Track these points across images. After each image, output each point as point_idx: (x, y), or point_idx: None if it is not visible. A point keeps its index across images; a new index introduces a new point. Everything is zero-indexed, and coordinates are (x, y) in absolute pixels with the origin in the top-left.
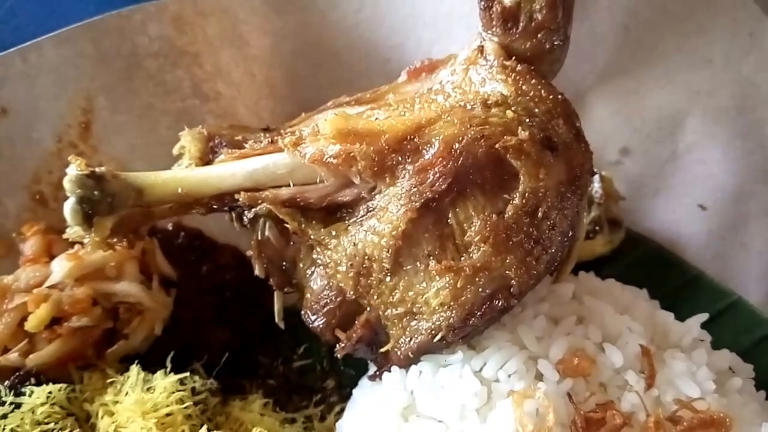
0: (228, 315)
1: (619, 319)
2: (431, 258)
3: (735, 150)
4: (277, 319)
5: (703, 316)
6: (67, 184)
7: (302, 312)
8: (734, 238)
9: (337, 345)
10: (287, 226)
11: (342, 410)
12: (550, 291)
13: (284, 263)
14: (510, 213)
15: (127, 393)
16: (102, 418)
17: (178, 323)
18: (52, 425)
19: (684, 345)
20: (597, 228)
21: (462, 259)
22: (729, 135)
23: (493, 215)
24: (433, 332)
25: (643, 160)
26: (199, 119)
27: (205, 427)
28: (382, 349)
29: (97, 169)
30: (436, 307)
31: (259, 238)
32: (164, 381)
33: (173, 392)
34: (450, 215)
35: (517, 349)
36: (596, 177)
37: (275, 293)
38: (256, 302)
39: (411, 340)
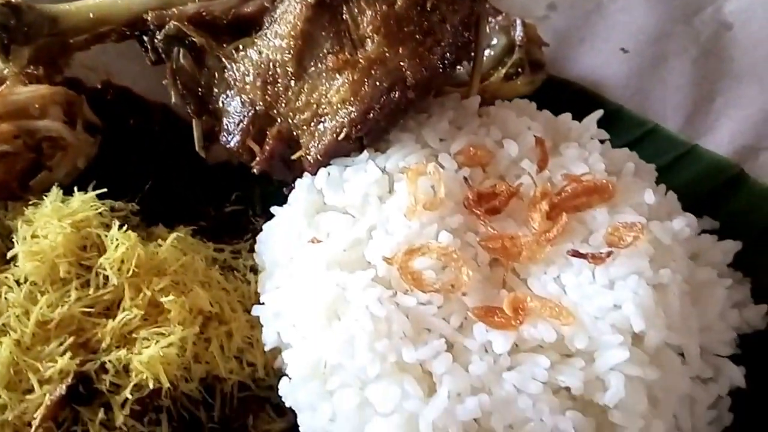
0: (156, 162)
1: (520, 120)
2: (330, 56)
3: None
4: (197, 148)
5: (599, 113)
6: None
7: (220, 136)
8: (653, 74)
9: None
10: (200, 46)
11: None
12: (458, 104)
13: (200, 89)
14: (399, 4)
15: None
16: (21, 227)
17: (104, 167)
18: None
19: (582, 142)
20: (519, 70)
21: (359, 53)
22: None
23: (384, 6)
24: (337, 130)
25: (569, 12)
26: None
27: (117, 224)
28: (294, 156)
29: (12, 0)
30: (338, 105)
31: (174, 66)
32: (82, 196)
33: (91, 205)
34: (344, 10)
35: (420, 147)
36: (518, 22)
37: (193, 121)
38: (185, 152)
39: (319, 142)
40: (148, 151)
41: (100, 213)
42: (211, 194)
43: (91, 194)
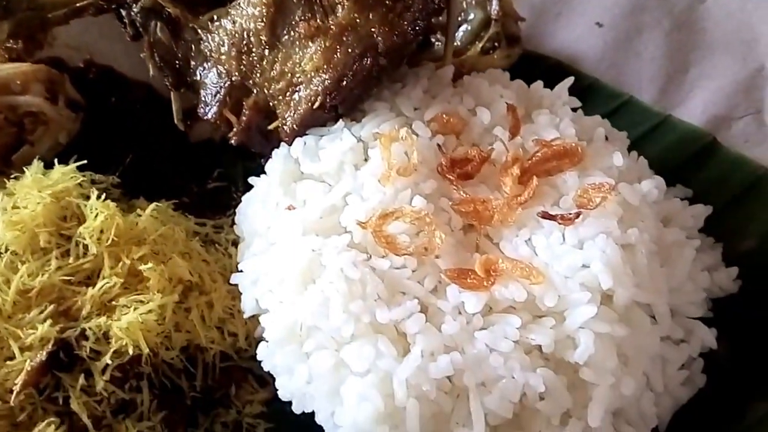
0: (138, 139)
1: (493, 89)
2: (302, 23)
3: None
4: (176, 120)
5: (569, 80)
6: None
7: (198, 108)
8: (628, 48)
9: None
10: (176, 18)
11: None
12: (432, 73)
13: (177, 62)
14: None
15: None
16: (2, 198)
17: (87, 144)
18: None
19: (554, 109)
20: (496, 44)
21: (330, 20)
22: None
23: None
24: (312, 99)
25: None
26: None
27: (96, 193)
28: (271, 126)
29: None
30: (312, 74)
31: (151, 39)
32: (63, 168)
33: (71, 177)
34: None
35: (394, 115)
36: None
37: (172, 94)
38: (167, 130)
39: (294, 112)
40: (131, 128)
41: (80, 184)
42: (194, 171)
43: (72, 166)
